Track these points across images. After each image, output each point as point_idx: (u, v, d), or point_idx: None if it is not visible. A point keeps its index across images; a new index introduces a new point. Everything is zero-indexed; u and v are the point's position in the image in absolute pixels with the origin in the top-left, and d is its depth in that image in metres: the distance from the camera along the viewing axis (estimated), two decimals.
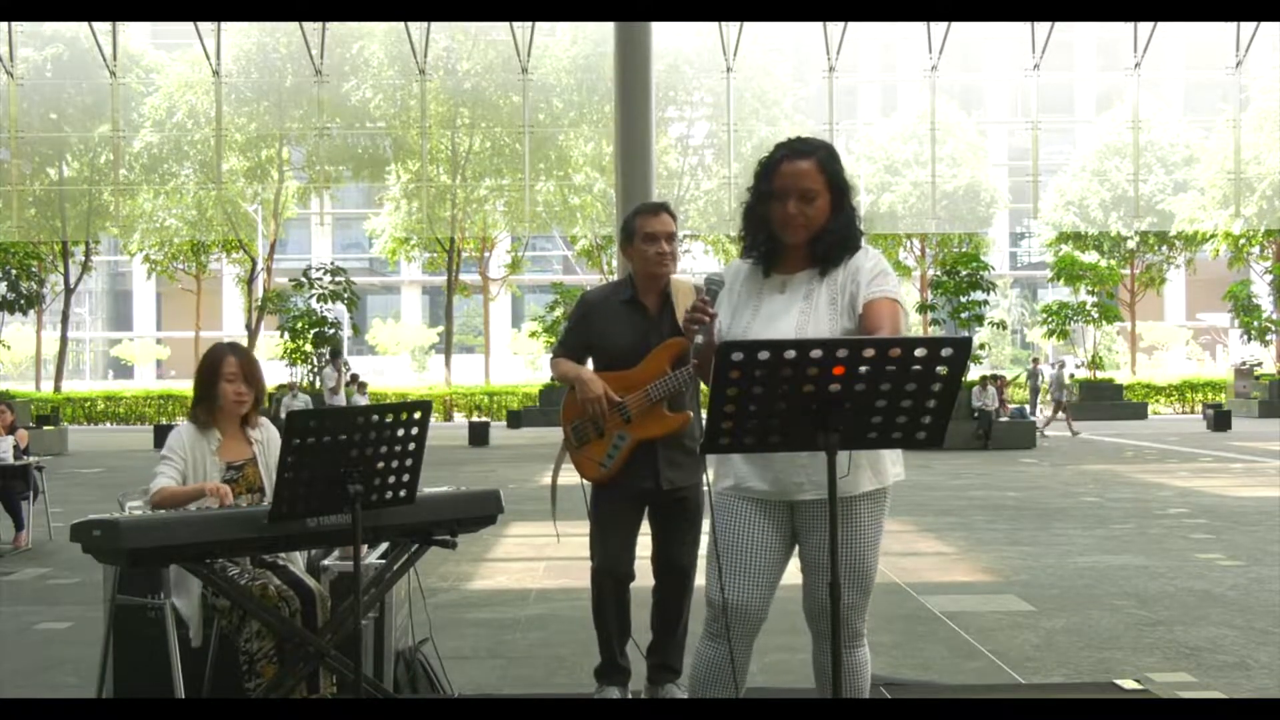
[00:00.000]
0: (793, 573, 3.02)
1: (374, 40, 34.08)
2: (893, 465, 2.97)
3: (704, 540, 3.39)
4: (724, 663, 2.93)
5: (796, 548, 3.01)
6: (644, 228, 3.99)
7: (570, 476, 4.09)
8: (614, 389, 3.93)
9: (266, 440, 3.95)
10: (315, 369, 24.79)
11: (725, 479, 2.97)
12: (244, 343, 36.94)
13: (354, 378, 23.62)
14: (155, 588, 3.70)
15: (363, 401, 20.72)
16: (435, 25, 32.67)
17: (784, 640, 4.72)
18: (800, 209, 2.87)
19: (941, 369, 2.45)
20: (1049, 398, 25.33)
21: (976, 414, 19.92)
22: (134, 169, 34.62)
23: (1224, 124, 35.20)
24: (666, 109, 35.58)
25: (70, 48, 33.54)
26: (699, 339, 2.80)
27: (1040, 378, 32.39)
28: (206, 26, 31.80)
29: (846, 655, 2.93)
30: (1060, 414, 24.11)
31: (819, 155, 2.89)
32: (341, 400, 21.14)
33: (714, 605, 2.93)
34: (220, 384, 3.85)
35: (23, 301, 27.21)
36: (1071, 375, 28.84)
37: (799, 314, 2.90)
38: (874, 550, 2.95)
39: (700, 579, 3.38)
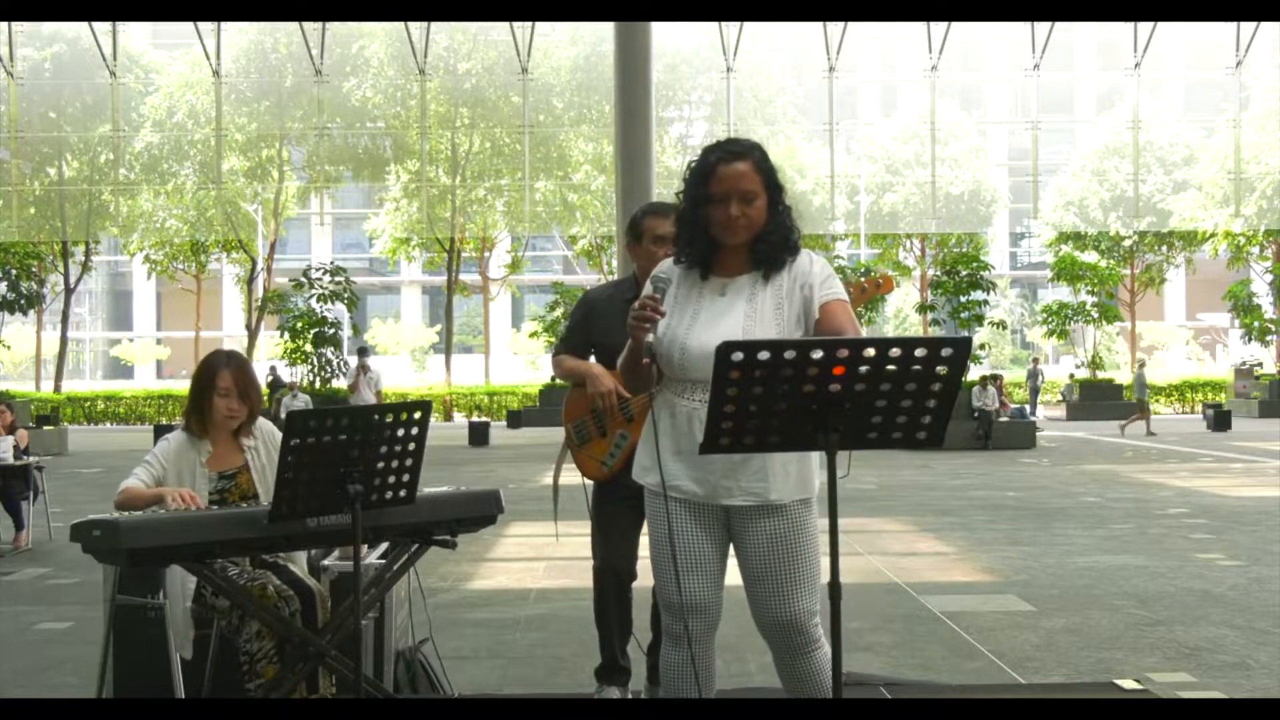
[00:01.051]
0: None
1: (374, 40, 34.08)
2: (818, 474, 2.93)
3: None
4: (686, 666, 2.93)
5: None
6: (655, 229, 3.97)
7: (572, 476, 4.09)
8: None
9: (262, 443, 3.93)
10: (321, 369, 24.75)
11: (650, 474, 2.93)
12: (244, 343, 37.05)
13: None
14: (155, 588, 3.69)
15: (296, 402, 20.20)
16: (435, 25, 32.67)
17: None
18: (742, 210, 2.86)
19: (941, 369, 2.45)
20: (1134, 398, 25.41)
21: (976, 414, 19.92)
22: (134, 169, 34.62)
23: (1224, 124, 35.20)
24: (666, 109, 35.57)
25: (70, 47, 33.54)
26: (649, 338, 2.79)
27: (1040, 378, 32.48)
28: (206, 26, 31.78)
29: (806, 660, 2.90)
30: (1139, 415, 23.96)
31: (754, 156, 2.89)
32: (368, 399, 20.72)
33: (671, 607, 2.92)
34: (213, 397, 3.82)
35: (23, 301, 27.19)
36: (1243, 368, 29.01)
37: (743, 317, 2.88)
38: (817, 552, 2.91)
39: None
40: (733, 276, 2.94)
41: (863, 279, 4.09)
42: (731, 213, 2.86)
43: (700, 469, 2.87)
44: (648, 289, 2.88)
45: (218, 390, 3.82)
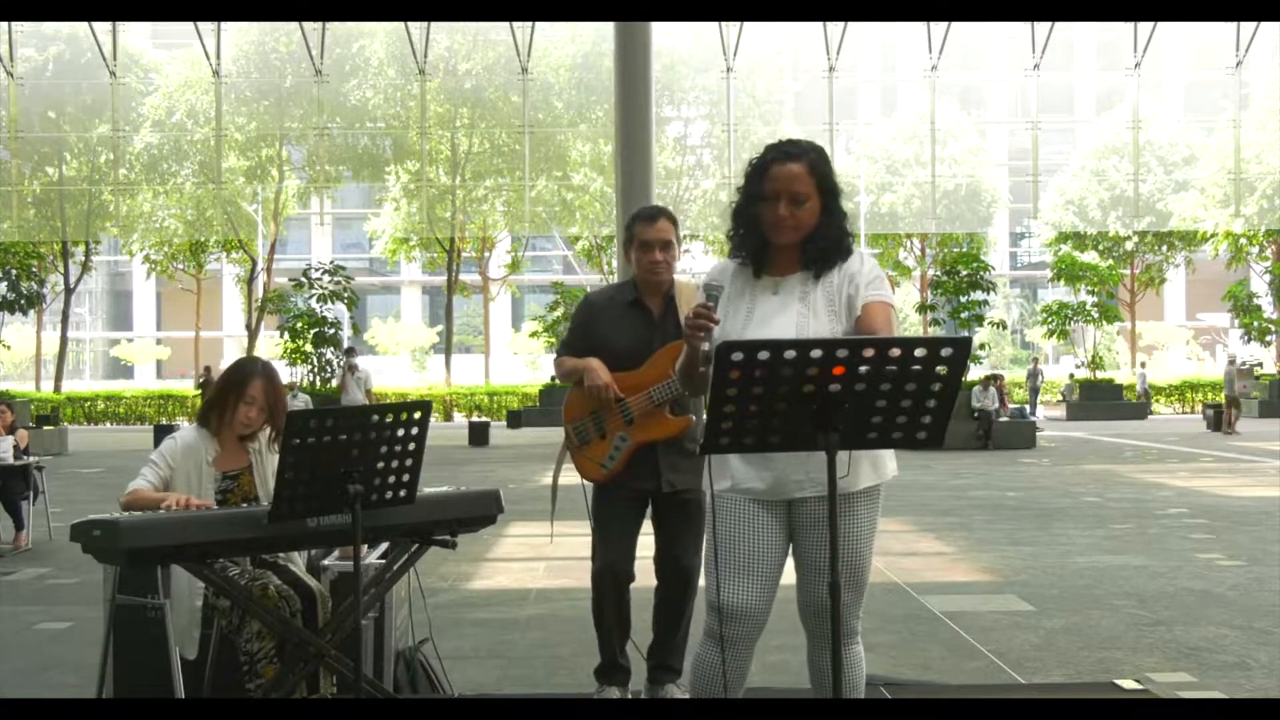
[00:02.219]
0: (788, 571, 3.02)
1: (374, 40, 34.08)
2: (890, 460, 2.99)
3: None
4: (719, 667, 2.94)
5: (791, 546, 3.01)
6: (639, 235, 3.98)
7: (571, 476, 4.09)
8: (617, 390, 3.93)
9: (263, 448, 3.93)
10: (321, 369, 24.76)
11: (722, 480, 2.96)
12: (244, 343, 37.02)
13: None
14: (155, 588, 3.69)
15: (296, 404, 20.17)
16: (435, 25, 32.66)
17: (784, 640, 4.72)
18: (791, 211, 2.87)
19: (941, 369, 2.45)
20: (1224, 395, 25.60)
21: (976, 414, 19.92)
22: (134, 169, 34.61)
23: (1224, 124, 35.19)
24: (664, 109, 35.56)
25: (70, 47, 33.53)
26: (705, 346, 2.78)
27: (1040, 377, 32.48)
28: (206, 26, 31.77)
29: (844, 652, 2.93)
30: (1235, 411, 24.06)
31: (809, 158, 2.89)
32: (358, 399, 20.71)
33: (716, 609, 2.92)
34: (238, 403, 3.82)
35: (23, 301, 27.20)
36: (1243, 368, 29.20)
37: (796, 315, 2.90)
38: (870, 547, 2.97)
39: (702, 580, 3.38)
40: (784, 276, 2.96)
41: None
42: (780, 213, 2.87)
43: (768, 468, 2.88)
44: (700, 296, 2.87)
45: (244, 397, 3.81)
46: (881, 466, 2.95)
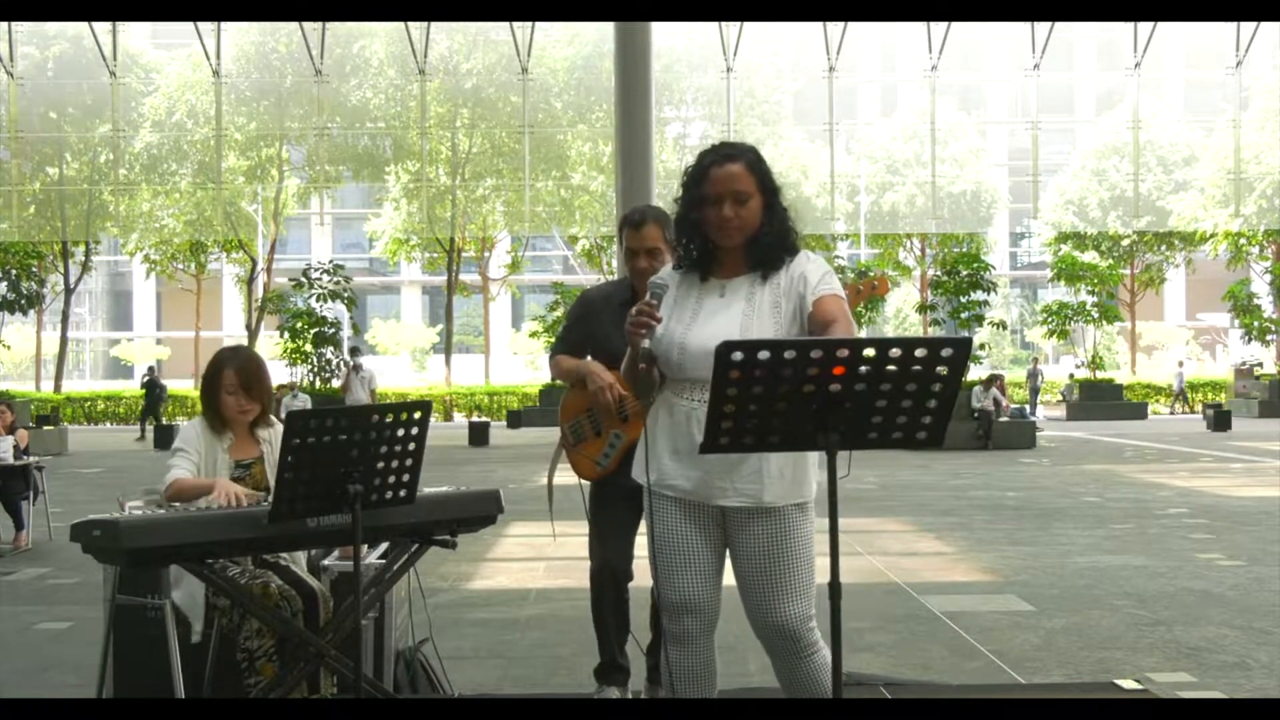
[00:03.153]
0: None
1: (374, 40, 34.08)
2: (815, 476, 2.94)
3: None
4: (696, 665, 2.95)
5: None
6: (627, 242, 3.97)
7: (569, 476, 4.09)
8: None
9: (274, 440, 3.94)
10: (321, 369, 24.77)
11: (650, 473, 2.95)
12: (244, 343, 37.05)
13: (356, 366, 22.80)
14: (155, 588, 3.69)
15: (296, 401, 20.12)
16: (435, 25, 32.67)
17: None
18: (735, 211, 2.89)
19: (941, 369, 2.45)
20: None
21: (976, 414, 19.91)
22: (134, 169, 34.61)
23: (1224, 124, 35.20)
24: (663, 109, 35.56)
25: (71, 47, 33.54)
26: (645, 343, 2.81)
27: (1040, 378, 32.52)
28: (206, 26, 31.78)
29: (804, 664, 2.90)
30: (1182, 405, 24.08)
31: (747, 158, 2.93)
32: (361, 399, 20.70)
33: (667, 606, 2.93)
34: (221, 395, 3.85)
35: (23, 301, 27.21)
36: (1243, 368, 29.31)
37: (741, 315, 2.90)
38: (811, 557, 2.93)
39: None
40: (730, 278, 2.97)
41: (859, 281, 4.08)
42: (724, 213, 2.89)
43: (696, 468, 2.88)
44: (647, 295, 2.90)
45: (224, 388, 3.84)
46: (807, 483, 2.92)
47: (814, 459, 2.93)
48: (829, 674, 2.92)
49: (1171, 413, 25.08)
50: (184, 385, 39.11)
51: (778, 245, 2.94)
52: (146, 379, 27.43)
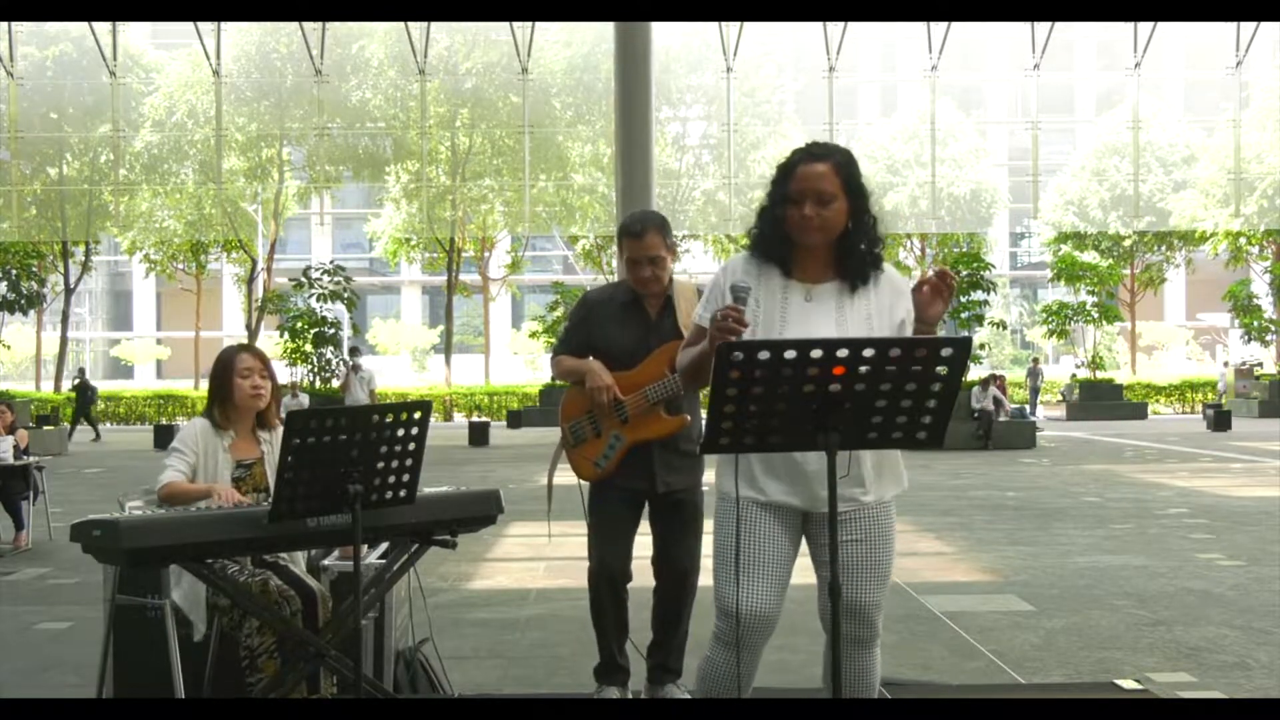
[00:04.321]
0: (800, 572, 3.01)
1: (374, 40, 34.06)
2: (905, 468, 3.05)
3: (707, 542, 3.37)
4: (733, 670, 2.93)
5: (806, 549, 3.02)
6: (627, 252, 3.96)
7: (569, 477, 4.09)
8: None
9: (275, 441, 3.93)
10: (321, 369, 24.78)
11: (745, 488, 2.92)
12: (244, 342, 37.10)
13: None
14: (155, 587, 3.69)
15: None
16: (435, 25, 32.66)
17: (784, 640, 4.72)
18: (816, 211, 2.85)
19: (941, 369, 2.46)
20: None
21: (976, 414, 19.91)
22: (134, 169, 34.60)
23: (1224, 124, 35.20)
24: (662, 109, 35.54)
25: (71, 47, 33.52)
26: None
27: (1040, 377, 32.48)
28: (206, 26, 31.78)
29: (863, 655, 2.97)
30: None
31: (835, 159, 2.89)
32: (361, 399, 20.69)
33: (728, 614, 2.90)
34: (235, 380, 3.84)
35: (23, 301, 27.21)
36: (1243, 368, 29.12)
37: (834, 326, 2.88)
38: (894, 551, 3.02)
39: (705, 580, 3.37)
40: (816, 283, 2.93)
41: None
42: (805, 212, 2.86)
43: (795, 481, 2.88)
44: (727, 297, 2.83)
45: (239, 372, 3.85)
46: (900, 476, 3.02)
47: (898, 452, 2.96)
48: (878, 673, 2.98)
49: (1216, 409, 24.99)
50: (184, 385, 39.16)
51: (870, 259, 2.92)
52: (77, 381, 27.31)
